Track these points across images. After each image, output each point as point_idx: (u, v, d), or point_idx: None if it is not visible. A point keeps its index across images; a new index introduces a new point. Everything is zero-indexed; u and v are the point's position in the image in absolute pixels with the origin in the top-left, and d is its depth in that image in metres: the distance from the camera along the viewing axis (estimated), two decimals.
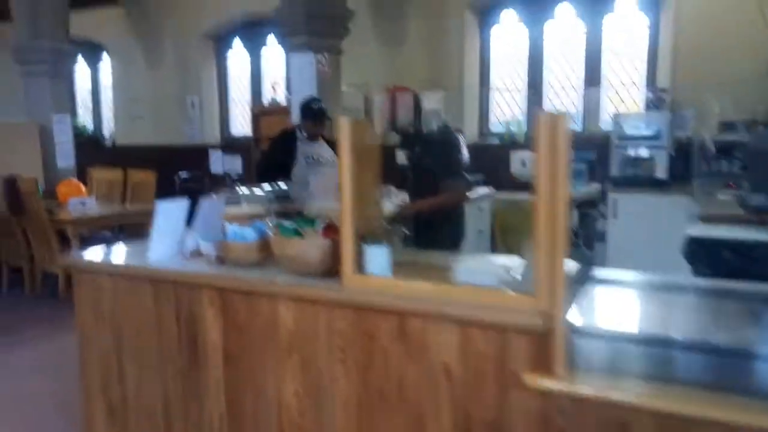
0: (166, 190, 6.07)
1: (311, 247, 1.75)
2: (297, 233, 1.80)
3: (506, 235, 5.25)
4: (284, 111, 6.79)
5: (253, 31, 7.97)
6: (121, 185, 6.08)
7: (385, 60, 6.67)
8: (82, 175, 6.44)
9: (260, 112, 7.20)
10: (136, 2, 8.14)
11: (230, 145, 7.99)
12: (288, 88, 7.50)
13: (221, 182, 7.62)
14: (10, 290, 5.08)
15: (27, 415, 2.98)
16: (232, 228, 1.98)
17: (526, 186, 5.67)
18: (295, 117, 5.33)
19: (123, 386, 2.14)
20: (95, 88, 9.25)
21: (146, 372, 2.08)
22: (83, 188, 5.26)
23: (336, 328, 1.68)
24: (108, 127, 9.19)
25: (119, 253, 2.29)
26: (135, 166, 6.31)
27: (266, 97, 7.81)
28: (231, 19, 7.88)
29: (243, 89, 8.22)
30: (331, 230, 1.77)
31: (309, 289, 1.71)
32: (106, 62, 9.03)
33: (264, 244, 1.95)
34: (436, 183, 2.91)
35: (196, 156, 7.92)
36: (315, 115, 4.05)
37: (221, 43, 8.19)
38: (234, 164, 7.72)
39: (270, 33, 7.87)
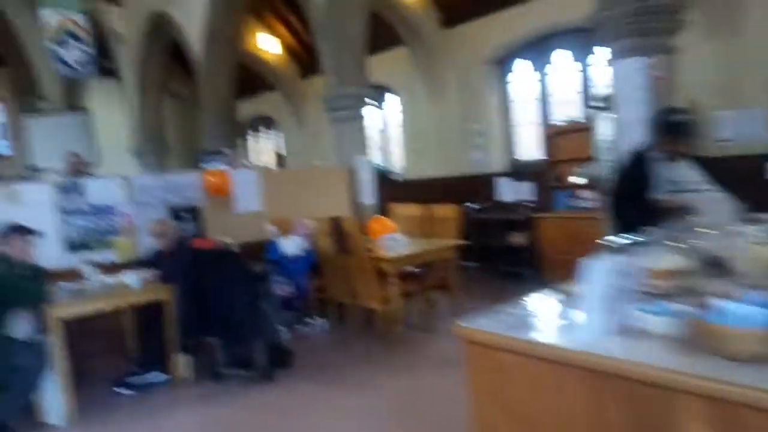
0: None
1: None
2: None
3: None
4: (584, 129, 6.06)
5: (537, 50, 7.47)
6: (417, 219, 6.04)
7: (715, 56, 5.44)
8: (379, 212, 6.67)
9: (555, 133, 6.57)
10: (420, 40, 8.36)
11: (518, 170, 7.54)
12: (586, 103, 6.75)
13: (512, 210, 7.21)
14: (335, 326, 5.33)
15: None
16: (722, 306, 1.34)
17: None
18: (609, 133, 4.56)
19: None
20: (383, 126, 9.83)
21: None
22: (392, 225, 5.30)
23: None
24: (395, 163, 9.64)
25: (521, 323, 1.84)
26: (422, 199, 6.22)
27: (556, 117, 7.17)
28: (515, 41, 7.50)
29: (527, 111, 7.72)
30: None
31: None
32: (390, 101, 9.53)
33: None
34: None
35: (481, 185, 7.67)
36: (678, 129, 3.27)
37: (503, 67, 7.88)
38: (524, 191, 7.24)
39: (555, 48, 7.28)
